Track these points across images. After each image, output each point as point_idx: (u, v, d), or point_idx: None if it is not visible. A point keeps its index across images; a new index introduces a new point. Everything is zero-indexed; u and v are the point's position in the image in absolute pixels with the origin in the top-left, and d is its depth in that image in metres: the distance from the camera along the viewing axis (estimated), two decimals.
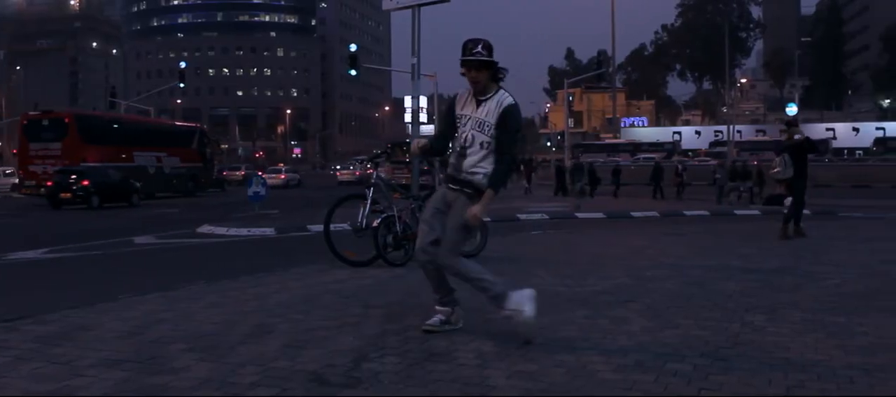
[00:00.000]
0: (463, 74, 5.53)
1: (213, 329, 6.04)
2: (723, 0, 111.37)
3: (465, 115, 5.60)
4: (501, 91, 5.56)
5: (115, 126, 42.54)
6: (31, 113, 41.34)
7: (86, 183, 30.68)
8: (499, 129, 5.47)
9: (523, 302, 5.43)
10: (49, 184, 32.03)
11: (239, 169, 66.06)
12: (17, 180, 40.53)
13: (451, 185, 5.68)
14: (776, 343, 5.49)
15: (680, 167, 36.89)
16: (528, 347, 5.30)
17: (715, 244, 13.11)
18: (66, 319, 6.39)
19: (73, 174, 31.11)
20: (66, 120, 38.00)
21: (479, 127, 5.52)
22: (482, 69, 5.45)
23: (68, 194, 30.62)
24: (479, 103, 5.55)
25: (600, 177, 38.44)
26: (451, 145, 5.81)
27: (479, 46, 5.43)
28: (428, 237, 5.68)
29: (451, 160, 5.72)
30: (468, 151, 5.56)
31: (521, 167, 43.93)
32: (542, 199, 32.98)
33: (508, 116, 5.48)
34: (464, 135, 5.59)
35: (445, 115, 5.80)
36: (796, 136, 14.03)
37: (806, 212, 14.88)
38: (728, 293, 7.68)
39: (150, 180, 38.83)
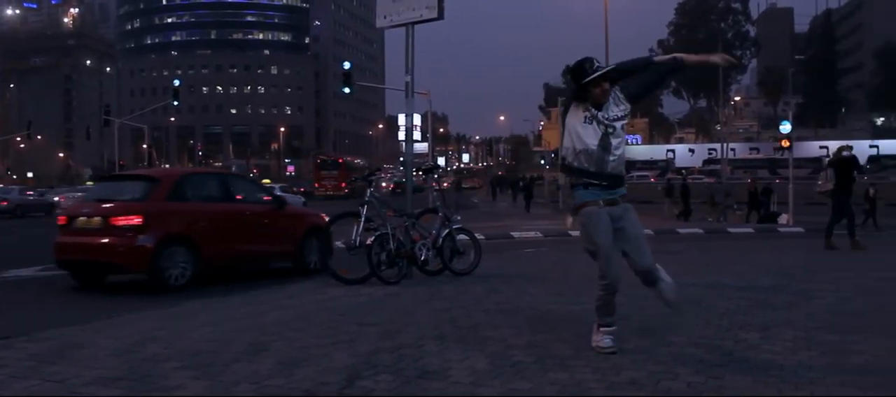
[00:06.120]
0: (583, 97, 5.58)
1: (207, 347, 6.04)
2: (717, 18, 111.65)
3: (591, 120, 5.57)
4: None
5: (349, 164, 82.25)
6: (321, 156, 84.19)
7: None
8: (630, 94, 5.68)
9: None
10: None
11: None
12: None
13: (608, 198, 5.60)
14: (770, 360, 5.48)
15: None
16: (521, 365, 5.31)
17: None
18: (61, 337, 6.39)
19: None
20: (340, 160, 78.73)
21: (617, 126, 5.60)
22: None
23: None
24: (599, 108, 5.58)
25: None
26: (571, 156, 5.69)
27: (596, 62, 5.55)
28: (621, 263, 5.67)
29: (595, 164, 5.57)
30: (614, 151, 5.57)
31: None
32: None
33: (623, 86, 5.66)
34: (603, 142, 5.54)
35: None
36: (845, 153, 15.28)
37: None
38: (721, 311, 7.64)
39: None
